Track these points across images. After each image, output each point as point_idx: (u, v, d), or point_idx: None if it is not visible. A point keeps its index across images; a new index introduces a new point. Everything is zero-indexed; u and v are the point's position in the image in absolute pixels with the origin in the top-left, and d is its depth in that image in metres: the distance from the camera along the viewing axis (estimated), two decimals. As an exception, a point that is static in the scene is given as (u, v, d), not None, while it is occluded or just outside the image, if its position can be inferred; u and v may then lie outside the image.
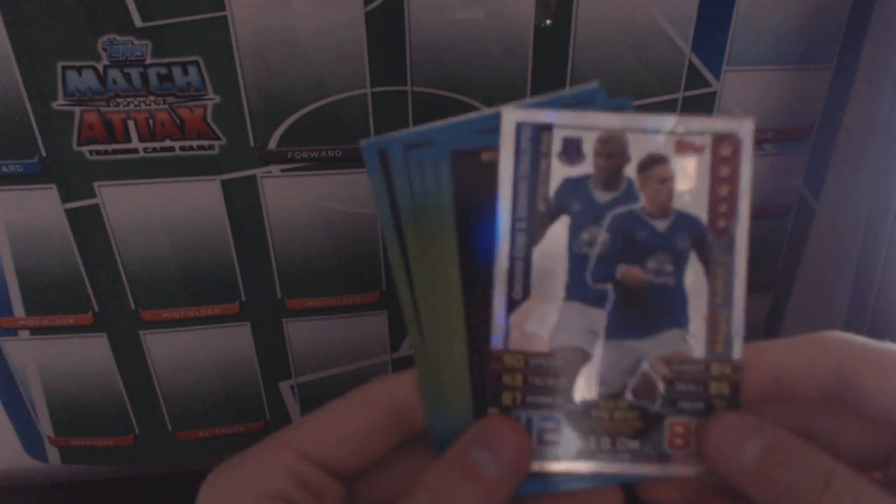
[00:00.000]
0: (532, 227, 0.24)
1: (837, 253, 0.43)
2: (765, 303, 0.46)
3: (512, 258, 0.24)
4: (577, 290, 0.24)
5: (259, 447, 0.24)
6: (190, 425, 0.46)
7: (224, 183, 0.39)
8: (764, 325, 0.47)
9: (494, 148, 0.24)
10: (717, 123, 0.24)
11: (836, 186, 0.42)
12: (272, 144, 0.38)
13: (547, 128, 0.24)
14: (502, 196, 0.24)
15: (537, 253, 0.24)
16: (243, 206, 0.39)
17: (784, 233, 0.44)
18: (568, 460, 0.24)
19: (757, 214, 0.42)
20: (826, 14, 0.38)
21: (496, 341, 0.24)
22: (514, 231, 0.24)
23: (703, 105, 0.39)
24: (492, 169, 0.24)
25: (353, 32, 0.36)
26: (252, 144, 0.38)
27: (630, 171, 0.24)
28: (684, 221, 0.24)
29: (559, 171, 0.24)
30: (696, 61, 0.38)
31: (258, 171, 0.39)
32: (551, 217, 0.24)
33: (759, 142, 0.41)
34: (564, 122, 0.24)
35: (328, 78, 0.37)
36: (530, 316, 0.24)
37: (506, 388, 0.24)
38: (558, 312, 0.24)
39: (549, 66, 0.37)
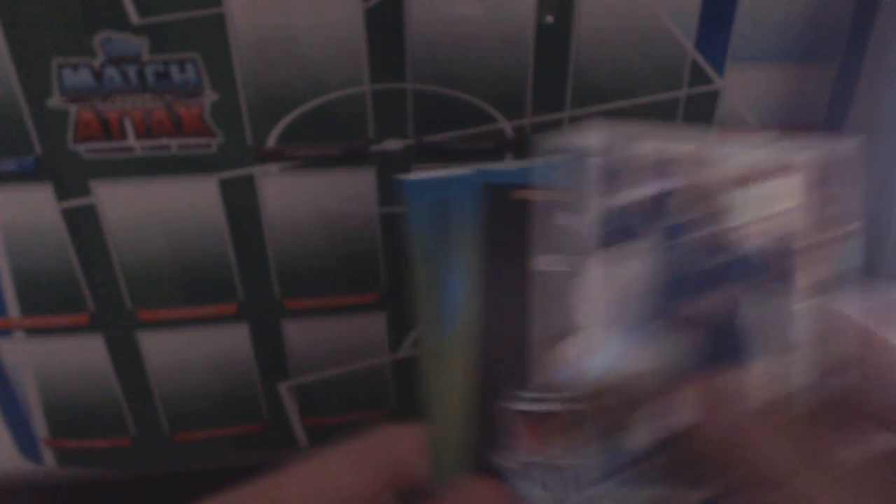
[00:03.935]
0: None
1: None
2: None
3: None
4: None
5: (240, 498, 0.22)
6: (187, 427, 0.46)
7: (221, 181, 0.38)
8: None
9: (529, 186, 0.23)
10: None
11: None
12: (270, 142, 0.38)
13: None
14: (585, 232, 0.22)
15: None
16: (241, 205, 0.39)
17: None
18: None
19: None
20: (830, 11, 0.37)
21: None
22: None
23: (706, 103, 0.39)
24: (524, 207, 0.23)
25: (351, 29, 0.35)
26: (250, 142, 0.38)
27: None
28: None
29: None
30: (699, 58, 0.38)
31: (256, 170, 0.38)
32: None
33: (762, 140, 0.41)
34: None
35: (327, 75, 0.36)
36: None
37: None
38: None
39: (551, 64, 0.37)
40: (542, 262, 0.23)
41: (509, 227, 0.23)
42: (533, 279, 0.23)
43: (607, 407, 0.22)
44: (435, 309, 0.23)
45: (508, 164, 0.24)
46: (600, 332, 0.22)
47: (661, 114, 0.39)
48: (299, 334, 0.44)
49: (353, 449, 0.23)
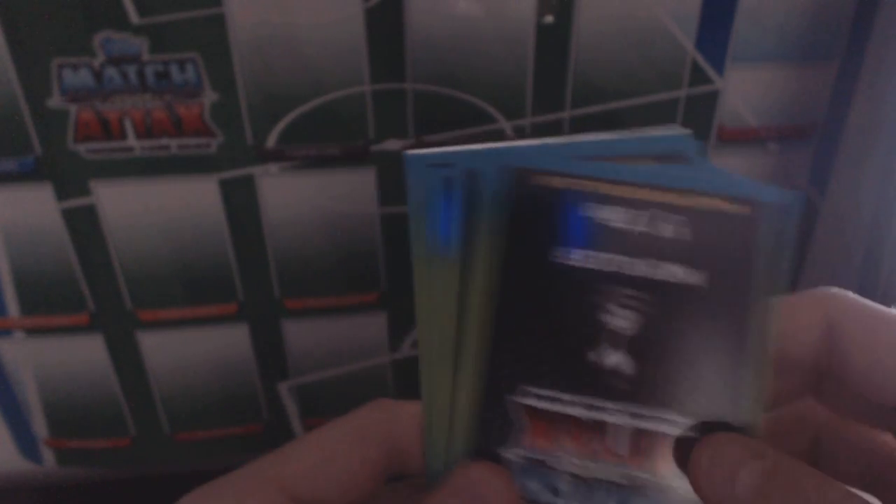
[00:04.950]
0: None
1: (842, 251, 0.43)
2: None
3: None
4: None
5: (239, 478, 0.21)
6: (187, 427, 0.46)
7: (222, 181, 0.38)
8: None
9: (557, 172, 0.22)
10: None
11: (840, 184, 0.42)
12: (270, 142, 0.38)
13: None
14: None
15: None
16: (241, 205, 0.39)
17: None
18: None
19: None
20: (831, 10, 0.37)
21: None
22: None
23: (706, 103, 0.39)
24: (551, 193, 0.22)
25: (352, 29, 0.35)
26: (250, 142, 0.38)
27: None
28: None
29: None
30: (699, 58, 0.38)
31: (256, 170, 0.38)
32: None
33: (762, 140, 0.41)
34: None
35: (327, 75, 0.36)
36: None
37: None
38: None
39: (551, 64, 0.37)
40: (568, 255, 0.21)
41: (533, 214, 0.22)
42: (556, 272, 0.22)
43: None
44: (441, 292, 0.22)
45: (530, 143, 0.22)
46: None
47: (661, 114, 0.39)
48: (299, 334, 0.44)
49: (352, 425, 0.22)
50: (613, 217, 0.21)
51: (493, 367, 0.22)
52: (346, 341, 0.44)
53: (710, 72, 0.38)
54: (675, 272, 0.21)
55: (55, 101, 0.35)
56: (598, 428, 0.22)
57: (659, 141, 0.22)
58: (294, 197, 0.39)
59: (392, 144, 0.39)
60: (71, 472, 0.47)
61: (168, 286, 0.41)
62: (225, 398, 0.45)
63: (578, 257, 0.21)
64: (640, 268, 0.21)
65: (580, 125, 0.39)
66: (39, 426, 0.45)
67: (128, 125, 0.36)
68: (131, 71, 0.35)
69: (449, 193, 0.23)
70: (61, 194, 0.38)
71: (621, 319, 0.21)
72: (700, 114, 0.39)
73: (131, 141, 0.37)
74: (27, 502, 0.48)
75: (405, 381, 0.46)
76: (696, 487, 0.21)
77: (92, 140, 0.36)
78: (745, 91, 0.39)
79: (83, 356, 0.42)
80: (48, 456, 0.46)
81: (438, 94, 0.37)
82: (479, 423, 0.22)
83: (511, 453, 0.22)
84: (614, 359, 0.21)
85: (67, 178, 0.37)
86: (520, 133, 0.39)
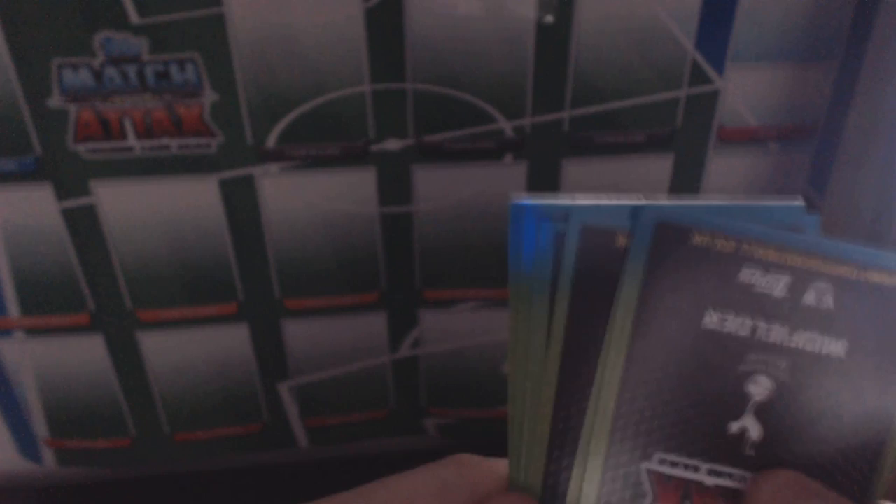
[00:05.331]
0: None
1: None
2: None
3: None
4: None
5: None
6: (187, 426, 0.45)
7: (222, 181, 0.38)
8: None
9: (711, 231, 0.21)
10: None
11: (840, 185, 0.42)
12: (270, 142, 0.38)
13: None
14: None
15: None
16: (241, 205, 0.39)
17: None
18: None
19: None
20: (830, 10, 0.37)
21: None
22: None
23: (706, 103, 0.39)
24: (702, 253, 0.20)
25: (352, 30, 0.35)
26: (250, 142, 0.38)
27: None
28: None
29: None
30: (699, 58, 0.38)
31: (256, 170, 0.38)
32: None
33: (762, 140, 0.41)
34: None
35: (327, 75, 0.36)
36: None
37: None
38: None
39: (551, 64, 0.37)
40: (717, 320, 0.21)
41: (679, 273, 0.21)
42: (702, 336, 0.21)
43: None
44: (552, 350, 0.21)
45: (679, 201, 0.21)
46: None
47: (661, 114, 0.39)
48: (299, 334, 0.44)
49: (432, 474, 0.21)
50: (755, 280, 0.20)
51: (625, 434, 0.21)
52: (346, 341, 0.44)
53: (710, 72, 0.38)
54: (813, 339, 0.21)
55: (55, 101, 0.35)
56: (722, 493, 0.21)
57: (776, 211, 0.21)
58: (294, 196, 0.39)
59: (392, 144, 0.39)
60: (71, 472, 0.47)
61: (168, 286, 0.41)
62: (225, 398, 0.45)
63: (718, 320, 0.21)
64: (777, 334, 0.21)
65: (580, 125, 0.39)
66: (39, 426, 0.45)
67: (128, 125, 0.36)
68: (131, 71, 0.35)
69: (560, 248, 0.21)
70: (61, 194, 0.38)
71: (755, 385, 0.21)
72: (700, 114, 0.39)
73: (131, 141, 0.37)
74: (27, 502, 0.48)
75: (405, 381, 0.46)
76: None
77: (92, 140, 0.36)
78: (745, 91, 0.39)
79: (83, 356, 0.42)
80: (48, 456, 0.46)
81: (438, 94, 0.37)
82: (602, 490, 0.21)
83: None
84: (743, 424, 0.21)
85: (67, 178, 0.37)
86: (519, 133, 0.39)
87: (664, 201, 0.20)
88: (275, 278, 0.42)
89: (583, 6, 0.36)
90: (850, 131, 0.41)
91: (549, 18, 0.36)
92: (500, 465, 0.22)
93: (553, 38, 0.37)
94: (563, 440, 0.22)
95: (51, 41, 0.34)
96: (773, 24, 0.37)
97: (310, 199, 0.39)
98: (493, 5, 0.35)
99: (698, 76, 0.38)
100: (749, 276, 0.20)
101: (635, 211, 0.20)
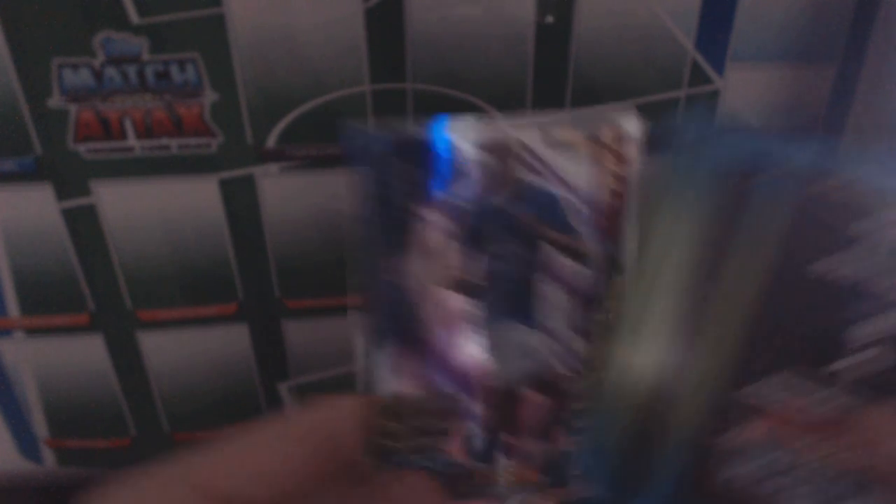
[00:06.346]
0: None
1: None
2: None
3: None
4: None
5: (149, 475, 0.20)
6: (187, 427, 0.45)
7: (222, 181, 0.38)
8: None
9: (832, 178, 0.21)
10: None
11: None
12: (270, 142, 0.38)
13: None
14: None
15: None
16: (241, 205, 0.39)
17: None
18: None
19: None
20: (831, 10, 0.37)
21: None
22: None
23: (705, 103, 0.39)
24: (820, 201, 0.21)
25: (352, 29, 0.35)
26: (250, 142, 0.38)
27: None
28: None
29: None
30: (699, 58, 0.38)
31: (256, 170, 0.38)
32: None
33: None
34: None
35: (327, 75, 0.36)
36: None
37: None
38: None
39: (551, 64, 0.37)
40: (830, 267, 0.21)
41: (809, 221, 0.21)
42: (815, 283, 0.21)
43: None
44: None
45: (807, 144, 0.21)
46: None
47: (661, 114, 0.39)
48: (299, 334, 0.44)
49: (285, 422, 0.21)
50: (871, 229, 0.21)
51: (742, 356, 0.22)
52: (346, 341, 0.44)
53: (710, 72, 0.38)
54: None
55: (55, 101, 0.35)
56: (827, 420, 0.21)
57: None
58: (294, 197, 0.39)
59: (392, 144, 0.39)
60: (71, 472, 0.47)
61: (168, 286, 0.41)
62: (225, 398, 0.45)
63: (833, 267, 0.21)
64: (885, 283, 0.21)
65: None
66: (39, 426, 0.45)
67: (128, 125, 0.36)
68: (131, 71, 0.35)
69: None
70: (61, 194, 0.38)
71: (860, 329, 0.21)
72: (700, 114, 0.39)
73: (131, 141, 0.37)
74: (27, 502, 0.48)
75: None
76: None
77: (92, 140, 0.36)
78: (744, 91, 0.39)
79: (83, 356, 0.42)
80: (48, 456, 0.46)
81: (438, 94, 0.37)
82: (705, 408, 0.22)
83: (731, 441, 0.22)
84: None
85: (67, 178, 0.37)
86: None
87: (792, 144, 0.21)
88: (275, 278, 0.42)
89: (583, 6, 0.36)
90: (850, 131, 0.41)
91: (549, 18, 0.36)
92: (354, 402, 0.21)
93: (553, 38, 0.37)
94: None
95: (51, 41, 0.34)
96: (773, 24, 0.37)
97: (310, 200, 0.39)
98: (493, 5, 0.35)
99: (698, 76, 0.38)
100: (871, 224, 0.21)
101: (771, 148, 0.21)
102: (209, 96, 0.36)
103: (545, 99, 0.38)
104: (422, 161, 0.22)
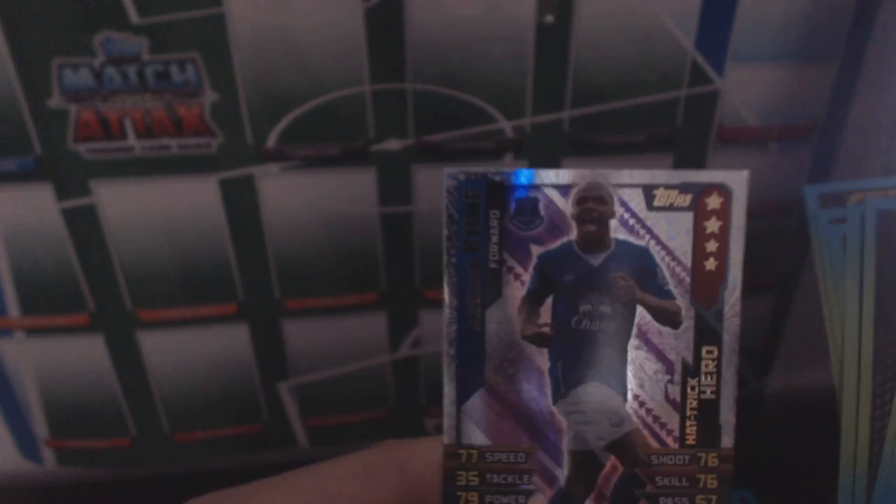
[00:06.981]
0: None
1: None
2: (769, 303, 0.46)
3: None
4: None
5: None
6: (187, 426, 0.45)
7: (222, 181, 0.38)
8: (768, 326, 0.47)
9: None
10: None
11: (840, 185, 0.42)
12: (270, 142, 0.38)
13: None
14: None
15: None
16: (241, 205, 0.39)
17: (788, 232, 0.44)
18: None
19: (761, 213, 0.42)
20: (831, 9, 0.37)
21: None
22: None
23: (706, 103, 0.39)
24: None
25: (352, 29, 0.35)
26: (250, 142, 0.38)
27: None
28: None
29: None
30: (699, 58, 0.38)
31: (256, 170, 0.38)
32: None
33: (762, 140, 0.41)
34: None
35: (327, 75, 0.36)
36: None
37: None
38: None
39: (551, 64, 0.37)
40: None
41: None
42: None
43: None
44: None
45: None
46: None
47: (661, 114, 0.39)
48: (299, 334, 0.44)
49: (360, 460, 0.21)
50: None
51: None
52: (345, 341, 0.44)
53: (710, 72, 0.38)
54: None
55: (55, 101, 0.35)
56: None
57: None
58: (294, 197, 0.39)
59: (392, 144, 0.39)
60: (71, 472, 0.47)
61: (168, 286, 0.41)
62: (225, 398, 0.45)
63: None
64: None
65: (580, 125, 0.39)
66: (39, 426, 0.45)
67: (128, 125, 0.36)
68: (131, 71, 0.35)
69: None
70: (61, 194, 0.38)
71: None
72: (700, 114, 0.39)
73: (131, 141, 0.37)
74: (27, 502, 0.48)
75: (405, 381, 0.46)
76: None
77: (92, 140, 0.36)
78: (745, 91, 0.39)
79: (83, 356, 0.42)
80: (48, 456, 0.46)
81: (438, 94, 0.37)
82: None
83: None
84: None
85: (67, 178, 0.37)
86: (519, 133, 0.39)
87: None
88: (275, 278, 0.42)
89: (583, 6, 0.36)
90: (850, 131, 0.41)
91: (549, 18, 0.36)
92: (429, 446, 0.22)
93: (553, 38, 0.37)
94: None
95: (51, 41, 0.34)
96: (773, 24, 0.37)
97: (310, 199, 0.39)
98: (493, 5, 0.35)
99: (698, 76, 0.38)
100: None
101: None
102: (209, 96, 0.36)
103: (545, 99, 0.38)
104: (517, 210, 0.22)
